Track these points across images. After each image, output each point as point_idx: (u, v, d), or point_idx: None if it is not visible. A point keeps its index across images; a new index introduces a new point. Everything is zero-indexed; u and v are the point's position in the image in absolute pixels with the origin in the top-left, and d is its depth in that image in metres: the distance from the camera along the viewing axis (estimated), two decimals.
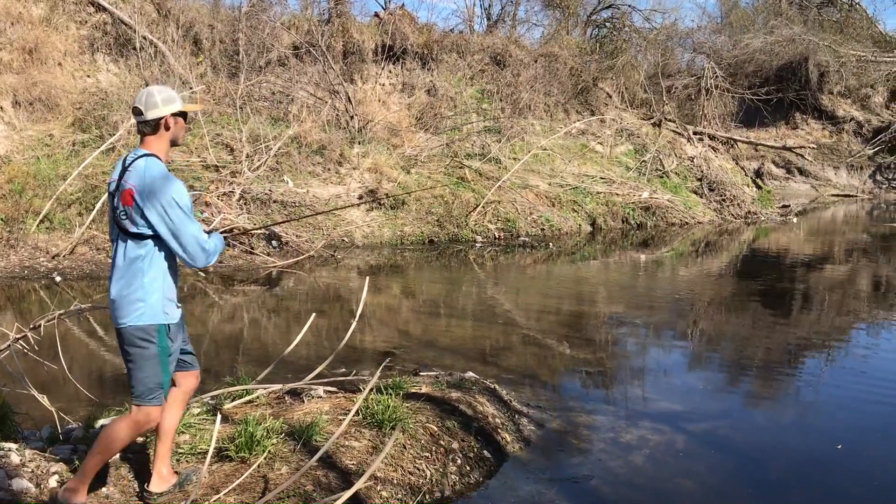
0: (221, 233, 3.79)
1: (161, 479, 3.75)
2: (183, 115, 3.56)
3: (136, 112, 3.45)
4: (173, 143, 3.58)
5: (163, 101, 3.44)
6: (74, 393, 5.40)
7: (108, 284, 3.53)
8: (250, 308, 9.81)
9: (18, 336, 4.83)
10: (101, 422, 4.50)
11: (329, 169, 15.45)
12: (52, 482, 3.79)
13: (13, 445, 4.16)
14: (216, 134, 14.84)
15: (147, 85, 15.49)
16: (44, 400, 4.62)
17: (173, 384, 3.64)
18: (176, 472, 3.87)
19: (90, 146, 13.55)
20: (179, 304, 3.64)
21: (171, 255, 3.52)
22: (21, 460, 3.96)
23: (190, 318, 8.96)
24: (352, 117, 17.20)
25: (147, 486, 3.75)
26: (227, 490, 3.80)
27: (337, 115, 17.31)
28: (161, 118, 3.45)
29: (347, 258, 12.90)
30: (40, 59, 15.09)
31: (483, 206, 15.66)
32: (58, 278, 10.62)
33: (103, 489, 3.77)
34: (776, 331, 8.79)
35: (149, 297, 3.42)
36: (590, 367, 7.21)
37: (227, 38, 17.79)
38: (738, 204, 19.62)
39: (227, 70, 17.30)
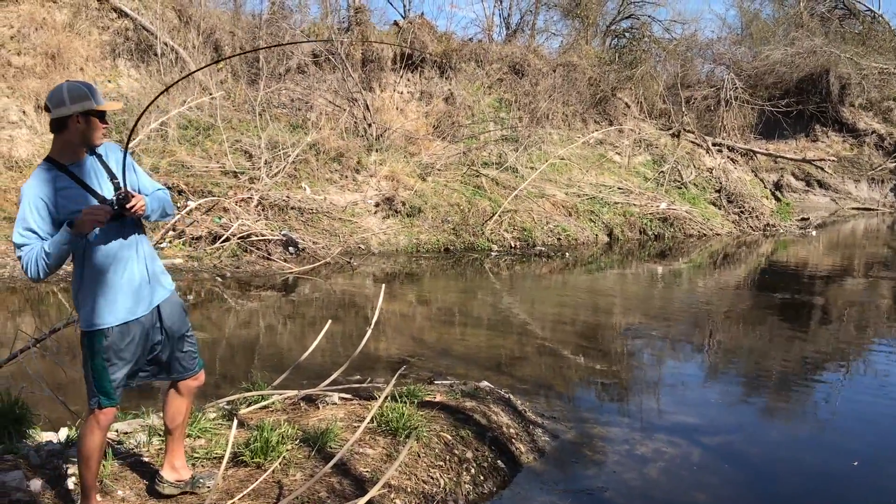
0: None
1: (172, 470, 3.80)
2: (99, 114, 3.27)
3: (45, 108, 3.25)
4: (85, 144, 3.28)
5: (71, 98, 3.19)
6: None
7: None
8: (266, 313, 9.84)
9: (38, 339, 4.87)
10: (116, 425, 4.52)
11: (346, 176, 15.52)
12: (70, 484, 3.81)
13: (31, 447, 4.19)
14: (235, 140, 14.95)
15: (168, 91, 15.66)
16: (61, 401, 4.64)
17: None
18: (192, 472, 3.91)
19: None
20: (148, 308, 3.42)
21: (98, 257, 3.28)
22: (39, 461, 3.99)
23: (206, 323, 9.01)
24: (370, 125, 17.27)
25: (160, 471, 3.82)
26: (241, 495, 3.81)
27: (355, 122, 17.40)
28: (67, 117, 3.20)
29: (363, 265, 12.93)
30: (63, 63, 15.28)
31: (499, 215, 15.66)
32: None
33: (119, 492, 3.79)
34: (794, 344, 8.72)
35: (75, 298, 3.35)
36: (605, 378, 7.18)
37: (248, 45, 17.94)
38: (756, 216, 19.49)
39: (247, 77, 17.44)
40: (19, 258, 3.16)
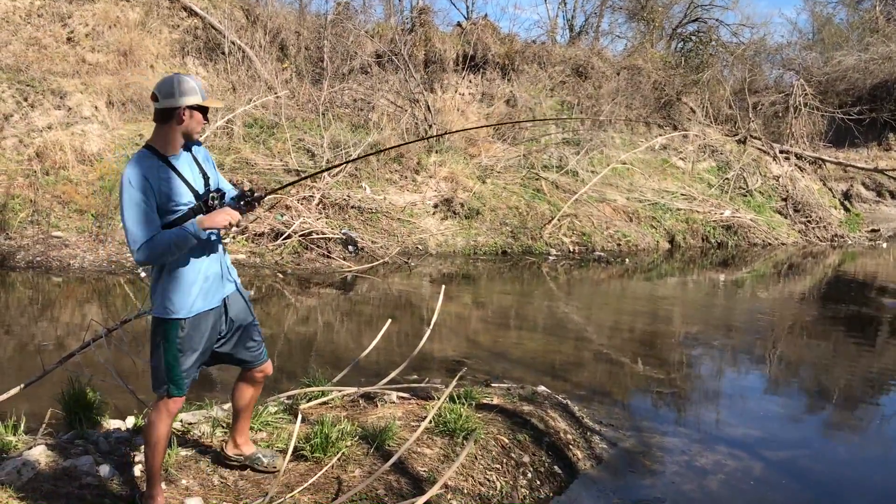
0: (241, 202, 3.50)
1: (234, 447, 4.04)
2: (202, 109, 3.38)
3: (153, 97, 3.33)
4: (186, 137, 3.39)
5: (181, 91, 3.28)
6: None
7: None
8: (325, 311, 9.96)
9: (110, 328, 5.01)
10: (182, 416, 4.63)
11: (406, 177, 15.60)
12: (136, 471, 3.91)
13: (101, 433, 4.32)
14: (298, 139, 15.16)
15: (234, 89, 15.96)
16: (131, 391, 4.78)
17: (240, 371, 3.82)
18: (254, 449, 4.11)
19: None
20: (217, 301, 3.53)
21: (190, 251, 3.39)
22: (108, 448, 4.11)
23: (266, 318, 9.16)
24: (430, 126, 17.33)
25: (224, 448, 4.06)
26: (301, 488, 3.86)
27: (416, 123, 17.48)
28: (175, 108, 3.29)
29: (420, 266, 12.99)
30: (134, 61, 15.71)
31: (558, 219, 15.56)
32: (142, 274, 10.99)
33: (183, 481, 3.88)
34: (860, 359, 8.46)
35: (155, 288, 3.42)
36: (664, 387, 7.07)
37: (313, 44, 18.20)
38: (824, 226, 18.98)
39: (311, 76, 17.68)
40: (135, 243, 3.19)
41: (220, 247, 3.57)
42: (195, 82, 3.34)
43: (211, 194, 3.40)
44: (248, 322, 3.71)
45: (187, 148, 3.45)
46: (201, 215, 3.32)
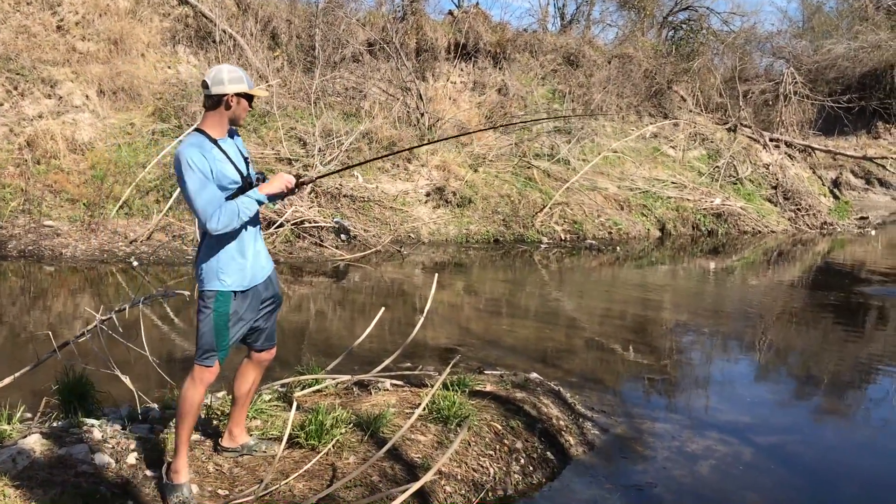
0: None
1: (229, 438, 4.14)
2: (248, 97, 3.62)
3: (204, 85, 3.57)
4: (233, 123, 3.66)
5: (229, 79, 3.52)
6: (152, 375, 5.59)
7: None
8: (318, 299, 9.98)
9: (104, 318, 5.03)
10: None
11: (398, 165, 15.60)
12: (131, 459, 3.94)
13: (95, 422, 4.34)
14: (290, 127, 15.12)
15: None
16: (126, 380, 4.79)
17: (248, 354, 3.99)
18: (250, 438, 4.21)
19: (169, 135, 13.97)
20: (263, 277, 3.78)
21: (243, 227, 3.65)
22: (103, 436, 4.13)
23: None
24: (422, 114, 17.32)
25: (220, 440, 4.17)
26: (296, 475, 3.90)
27: (408, 111, 17.45)
28: (224, 95, 3.53)
29: (413, 254, 13.01)
30: (125, 49, 15.61)
31: (550, 207, 15.59)
32: (135, 263, 11.00)
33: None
34: (848, 345, 8.54)
35: (205, 263, 3.63)
36: (655, 373, 7.13)
37: (304, 33, 18.12)
38: (813, 214, 19.07)
39: (302, 65, 17.62)
40: (207, 215, 3.43)
41: (259, 231, 3.83)
42: (242, 72, 3.60)
43: (256, 176, 3.70)
44: (279, 302, 3.99)
45: (230, 134, 3.72)
46: (263, 183, 3.66)
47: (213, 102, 3.56)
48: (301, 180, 3.72)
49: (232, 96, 3.54)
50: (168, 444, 4.06)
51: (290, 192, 3.70)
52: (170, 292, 5.98)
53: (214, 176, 3.48)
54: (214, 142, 3.57)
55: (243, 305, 3.68)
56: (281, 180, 3.63)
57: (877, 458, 5.35)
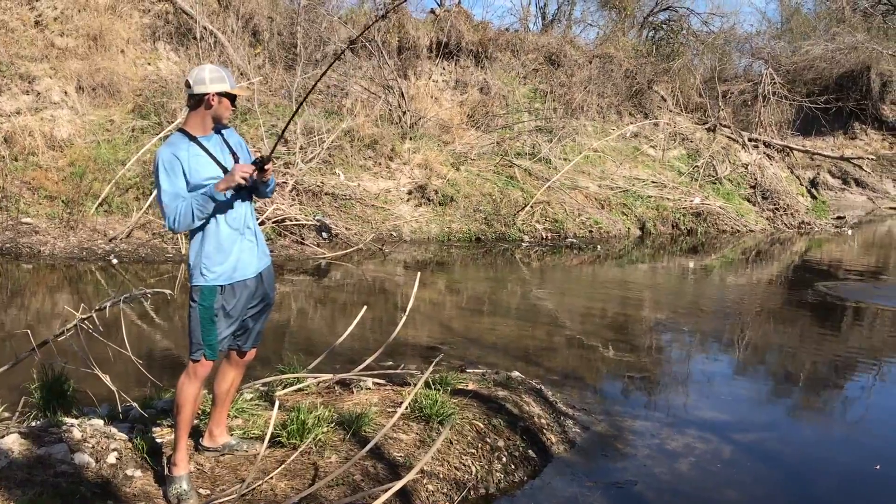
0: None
1: (210, 438, 4.15)
2: (230, 96, 3.66)
3: (186, 84, 3.62)
4: (216, 121, 3.68)
5: (211, 79, 3.57)
6: (132, 373, 5.56)
7: None
8: (298, 298, 9.96)
9: (84, 316, 4.99)
10: (161, 404, 4.63)
11: (380, 163, 15.58)
12: (112, 458, 3.92)
13: (75, 421, 4.31)
14: (271, 125, 15.06)
15: None
16: (106, 379, 4.76)
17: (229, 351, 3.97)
18: (231, 435, 4.24)
19: (149, 132, 13.87)
20: (252, 273, 3.77)
21: (226, 220, 3.67)
22: (83, 436, 4.10)
23: None
24: (404, 113, 17.31)
25: (201, 440, 4.16)
26: (276, 472, 3.90)
27: (390, 110, 17.44)
28: (205, 95, 3.58)
29: (395, 252, 13.01)
30: (104, 45, 15.47)
31: (531, 206, 15.64)
32: (114, 260, 10.91)
33: (158, 469, 3.90)
34: (825, 343, 8.64)
35: (192, 259, 3.68)
36: (635, 371, 7.18)
37: (286, 30, 18.04)
38: (791, 213, 19.25)
39: (283, 62, 17.55)
40: (166, 214, 3.51)
41: (255, 222, 3.85)
42: (224, 72, 3.64)
43: (253, 161, 3.68)
44: (270, 303, 4.02)
45: (217, 131, 3.74)
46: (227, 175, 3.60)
47: (195, 102, 3.61)
48: (259, 161, 3.62)
49: (213, 95, 3.58)
50: (145, 446, 4.05)
51: (255, 178, 3.60)
52: (150, 291, 5.94)
53: (188, 174, 3.51)
54: (195, 139, 3.61)
55: (230, 301, 3.70)
56: (234, 172, 3.53)
57: (852, 452, 5.42)
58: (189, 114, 3.68)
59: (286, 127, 4.54)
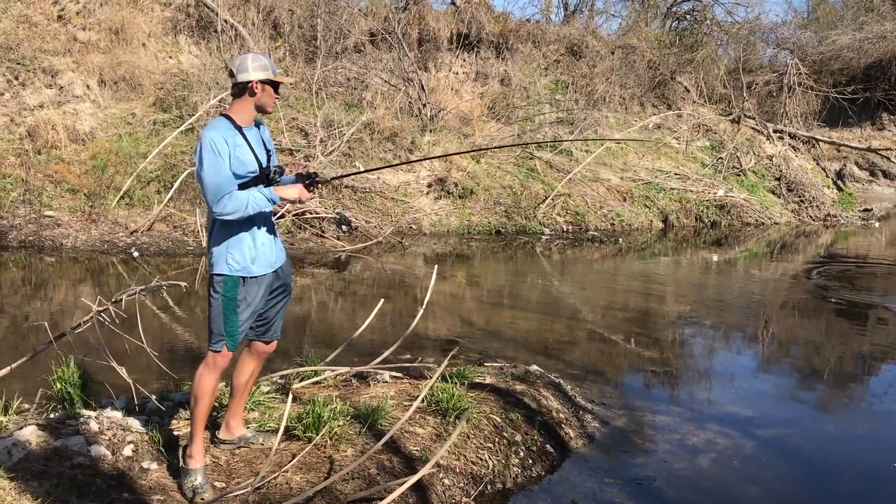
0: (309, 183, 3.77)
1: (227, 430, 4.14)
2: (273, 84, 3.67)
3: (230, 73, 3.64)
4: (259, 110, 3.70)
5: (254, 67, 3.58)
6: (153, 366, 5.57)
7: None
8: (318, 290, 9.96)
9: (101, 308, 5.00)
10: (177, 396, 4.63)
11: (399, 156, 15.54)
12: (128, 451, 3.92)
13: (92, 413, 4.32)
14: (292, 118, 15.07)
15: (227, 67, 15.82)
16: (122, 371, 4.77)
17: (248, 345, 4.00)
18: (246, 431, 4.20)
19: (170, 126, 13.93)
20: (273, 267, 3.80)
21: (255, 216, 3.67)
22: (99, 428, 4.11)
23: None
24: (424, 105, 17.25)
25: (217, 432, 4.15)
26: (291, 465, 3.88)
27: (410, 102, 17.39)
28: (248, 82, 3.59)
29: (414, 245, 12.97)
30: (126, 39, 15.53)
31: (552, 199, 15.54)
32: (135, 253, 10.97)
33: (175, 461, 3.89)
34: (850, 338, 8.50)
35: (215, 247, 3.66)
36: (656, 366, 7.10)
37: (306, 23, 18.02)
38: (817, 206, 19.00)
39: (304, 55, 17.54)
40: (213, 195, 3.47)
41: (273, 221, 3.86)
42: (267, 60, 3.65)
43: (274, 168, 3.70)
44: (289, 292, 4.07)
45: (257, 125, 3.77)
46: (281, 186, 3.70)
47: (239, 90, 3.63)
48: (317, 179, 3.75)
49: (256, 83, 3.60)
50: (162, 438, 4.04)
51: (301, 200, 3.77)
52: (165, 283, 5.95)
53: (232, 162, 3.52)
54: (239, 128, 3.61)
55: (252, 292, 3.71)
56: (295, 191, 3.67)
57: (875, 450, 5.31)
58: (233, 101, 3.69)
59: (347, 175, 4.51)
